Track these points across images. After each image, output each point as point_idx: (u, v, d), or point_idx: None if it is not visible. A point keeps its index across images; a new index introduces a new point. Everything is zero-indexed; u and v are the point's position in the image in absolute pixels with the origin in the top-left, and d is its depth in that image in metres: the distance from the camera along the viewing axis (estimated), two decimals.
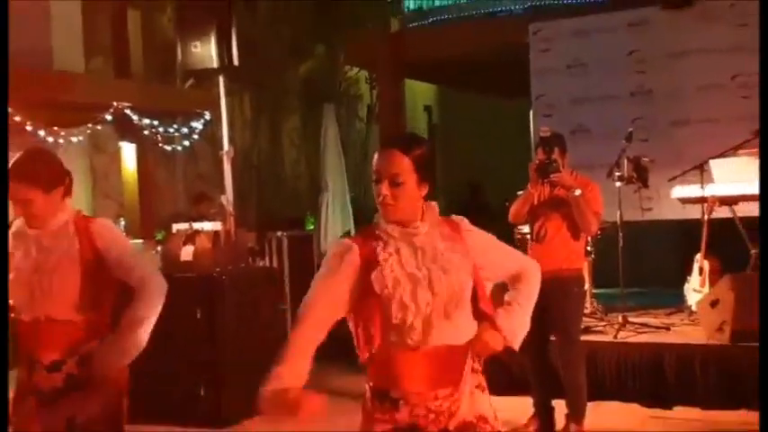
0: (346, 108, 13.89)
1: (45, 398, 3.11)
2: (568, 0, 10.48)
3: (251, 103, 12.97)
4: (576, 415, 5.56)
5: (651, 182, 7.76)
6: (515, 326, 2.69)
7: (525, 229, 6.20)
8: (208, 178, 11.30)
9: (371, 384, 2.60)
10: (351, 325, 2.60)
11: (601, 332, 7.07)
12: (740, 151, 7.58)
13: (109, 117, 9.32)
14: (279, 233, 8.93)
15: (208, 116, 10.35)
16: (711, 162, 7.40)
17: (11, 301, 3.17)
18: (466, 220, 2.72)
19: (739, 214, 7.34)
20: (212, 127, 10.23)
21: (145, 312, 3.10)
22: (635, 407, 6.37)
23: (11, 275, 3.13)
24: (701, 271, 7.32)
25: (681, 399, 6.32)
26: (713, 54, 8.90)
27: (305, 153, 13.67)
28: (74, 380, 3.09)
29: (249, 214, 11.48)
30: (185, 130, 10.46)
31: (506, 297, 2.78)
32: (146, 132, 9.94)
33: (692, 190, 7.51)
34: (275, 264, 8.44)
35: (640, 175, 7.57)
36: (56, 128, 8.98)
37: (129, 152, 11.16)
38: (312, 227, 10.38)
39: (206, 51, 7.12)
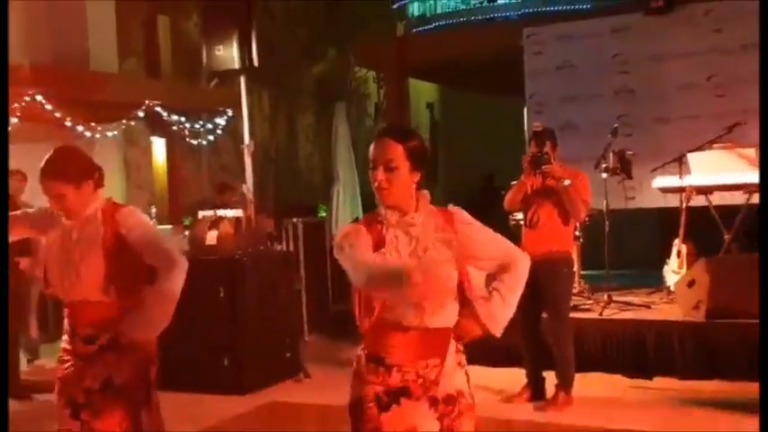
0: (356, 106, 13.87)
1: (81, 360, 3.15)
2: (559, 8, 10.49)
3: (269, 101, 12.96)
4: (564, 385, 5.57)
5: (634, 173, 7.73)
6: (495, 314, 2.64)
7: (519, 215, 6.19)
8: (230, 169, 11.30)
9: (366, 351, 2.60)
10: (355, 296, 2.58)
11: (588, 310, 7.07)
12: (715, 145, 7.57)
13: (141, 114, 9.32)
14: (294, 220, 8.91)
15: (230, 113, 10.34)
16: (689, 155, 7.38)
17: (52, 287, 3.20)
18: (461, 211, 2.67)
19: (714, 203, 7.33)
20: (234, 123, 10.22)
21: (168, 288, 3.09)
22: (618, 377, 6.37)
23: (49, 262, 3.16)
24: (678, 254, 7.31)
25: (660, 370, 6.31)
26: (690, 57, 8.87)
27: (318, 147, 13.66)
28: (106, 349, 3.11)
29: (267, 202, 11.48)
30: (210, 125, 10.46)
31: (491, 286, 2.71)
32: (174, 128, 9.95)
33: (672, 180, 7.49)
34: (291, 248, 8.43)
35: (624, 167, 7.54)
36: (93, 124, 8.99)
37: (158, 146, 11.17)
38: (324, 214, 10.37)
39: (228, 54, 7.11)
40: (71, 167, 3.10)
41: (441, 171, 14.55)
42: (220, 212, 7.20)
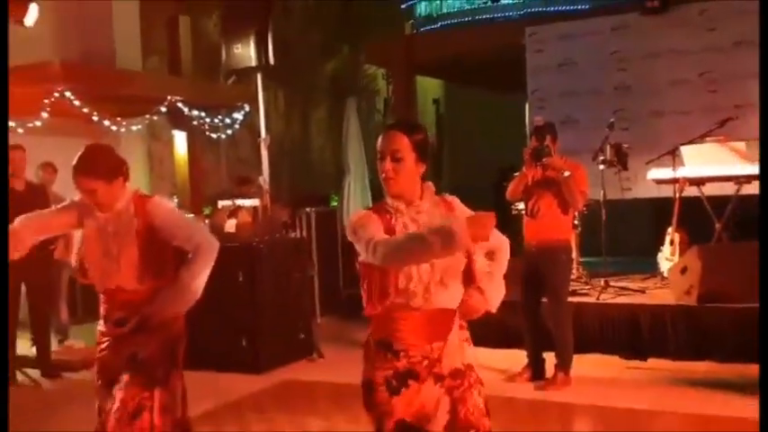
0: (366, 102, 13.84)
1: (114, 341, 3.20)
2: (560, 7, 10.46)
3: (284, 98, 12.97)
4: (563, 365, 5.58)
5: (630, 165, 7.71)
6: (493, 291, 2.69)
7: (520, 205, 6.18)
8: (247, 162, 11.33)
9: (375, 338, 2.60)
10: (364, 282, 2.57)
11: (586, 294, 7.05)
12: (707, 139, 7.55)
13: (163, 109, 9.32)
14: (308, 209, 8.92)
15: (247, 108, 10.34)
16: (682, 148, 7.36)
17: (89, 278, 3.23)
18: (457, 200, 2.69)
19: (706, 194, 7.30)
20: (251, 118, 10.22)
21: (200, 267, 3.11)
22: (615, 358, 6.37)
23: (87, 254, 3.18)
24: (672, 242, 7.29)
25: (654, 351, 6.31)
26: (685, 54, 8.84)
27: (330, 140, 13.66)
28: (136, 330, 3.14)
29: (282, 193, 11.48)
30: (228, 120, 10.45)
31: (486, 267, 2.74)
32: (195, 122, 9.95)
33: (666, 172, 7.46)
34: (305, 235, 8.44)
35: (621, 160, 7.52)
36: (118, 118, 9.01)
37: (180, 139, 11.18)
38: (336, 204, 10.38)
39: (246, 52, 7.11)
40: (102, 164, 3.12)
41: (445, 165, 14.51)
42: (239, 202, 7.22)
